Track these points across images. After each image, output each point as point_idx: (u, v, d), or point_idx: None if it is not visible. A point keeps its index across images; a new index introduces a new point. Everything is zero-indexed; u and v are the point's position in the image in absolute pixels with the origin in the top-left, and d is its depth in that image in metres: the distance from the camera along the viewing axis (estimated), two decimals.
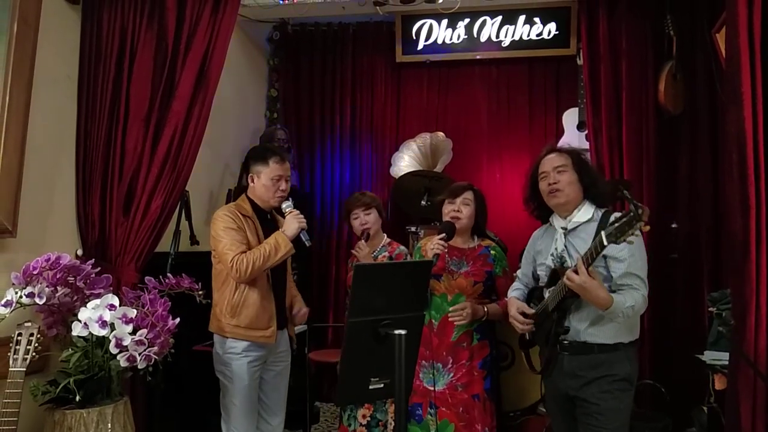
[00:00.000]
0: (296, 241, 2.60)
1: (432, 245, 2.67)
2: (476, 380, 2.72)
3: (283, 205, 2.63)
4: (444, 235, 2.73)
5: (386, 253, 3.22)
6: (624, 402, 2.19)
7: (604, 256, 2.13)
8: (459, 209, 2.78)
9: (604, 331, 2.18)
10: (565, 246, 2.29)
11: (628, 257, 2.13)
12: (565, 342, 2.25)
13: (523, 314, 2.37)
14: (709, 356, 2.86)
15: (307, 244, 2.61)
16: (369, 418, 3.12)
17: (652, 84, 3.73)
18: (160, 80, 2.85)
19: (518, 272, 2.66)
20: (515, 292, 2.54)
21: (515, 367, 3.37)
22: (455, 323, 2.68)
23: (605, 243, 1.96)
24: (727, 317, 2.72)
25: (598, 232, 2.11)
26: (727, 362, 2.49)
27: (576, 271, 2.05)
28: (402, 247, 3.27)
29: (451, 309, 2.69)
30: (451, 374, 2.74)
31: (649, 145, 3.73)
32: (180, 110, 2.83)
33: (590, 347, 2.19)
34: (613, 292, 2.13)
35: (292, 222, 2.55)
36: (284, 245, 2.51)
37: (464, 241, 2.86)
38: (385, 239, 3.29)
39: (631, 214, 1.87)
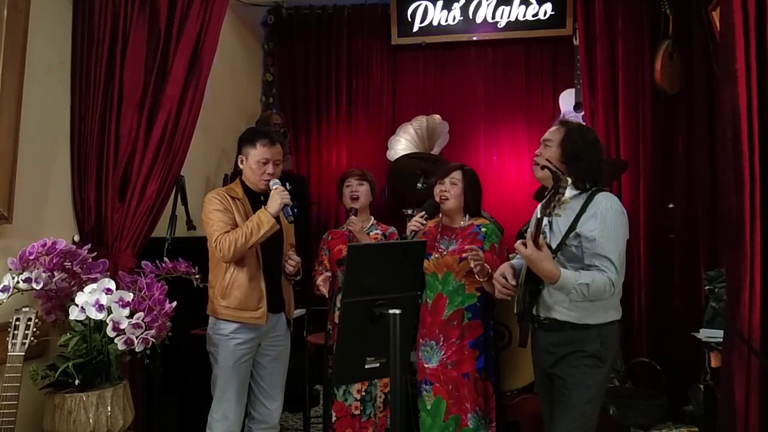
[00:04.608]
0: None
1: (410, 223, 2.71)
2: (467, 359, 2.74)
3: (271, 183, 2.62)
4: (424, 213, 2.75)
5: (378, 231, 3.25)
6: (592, 378, 2.14)
7: (578, 235, 2.12)
8: (447, 189, 2.80)
9: (574, 311, 2.16)
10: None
11: (598, 238, 2.07)
12: (541, 318, 2.24)
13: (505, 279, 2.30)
14: (705, 334, 2.88)
15: (289, 221, 2.59)
16: (364, 393, 3.16)
17: (649, 64, 3.72)
18: (153, 65, 2.83)
19: None
20: (517, 259, 2.49)
21: (512, 347, 3.39)
22: (472, 262, 2.58)
23: (539, 215, 1.96)
24: (719, 293, 2.74)
25: (582, 210, 2.11)
26: (722, 339, 2.50)
27: (525, 244, 2.02)
28: (393, 228, 3.31)
29: (468, 247, 2.62)
30: (443, 352, 2.76)
31: (646, 125, 3.72)
32: (173, 95, 2.82)
33: (562, 324, 2.18)
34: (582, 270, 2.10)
35: (275, 198, 2.54)
36: (267, 222, 2.49)
37: (456, 220, 2.87)
38: (372, 220, 3.31)
39: (554, 184, 1.87)
